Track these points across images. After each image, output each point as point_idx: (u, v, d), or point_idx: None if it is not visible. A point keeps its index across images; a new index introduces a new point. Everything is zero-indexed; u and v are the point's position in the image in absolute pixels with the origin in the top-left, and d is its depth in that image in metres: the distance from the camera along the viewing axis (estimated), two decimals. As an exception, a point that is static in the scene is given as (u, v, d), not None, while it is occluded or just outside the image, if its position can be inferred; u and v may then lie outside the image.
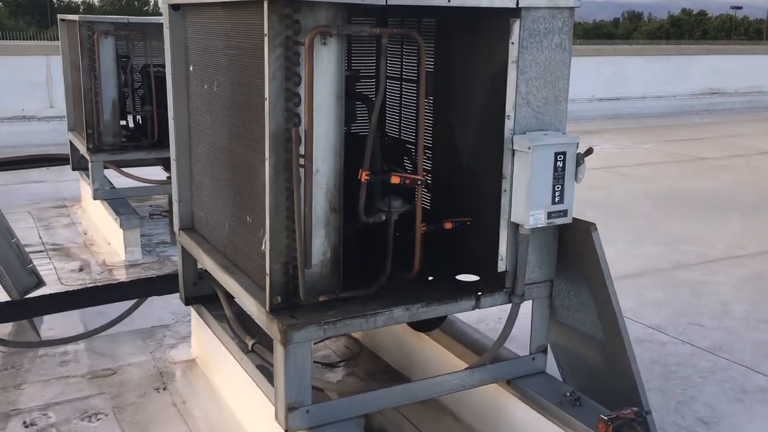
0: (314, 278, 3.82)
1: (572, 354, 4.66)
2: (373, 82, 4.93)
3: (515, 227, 4.08)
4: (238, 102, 4.12)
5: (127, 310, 5.46)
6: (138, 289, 5.20)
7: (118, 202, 8.61)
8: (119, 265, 7.92)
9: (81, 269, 7.84)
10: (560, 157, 3.96)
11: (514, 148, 3.98)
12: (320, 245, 3.79)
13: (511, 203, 4.04)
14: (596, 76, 20.74)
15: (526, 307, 4.31)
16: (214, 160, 4.58)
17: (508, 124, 3.98)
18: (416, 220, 4.00)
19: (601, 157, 12.97)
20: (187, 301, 5.24)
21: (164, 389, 5.28)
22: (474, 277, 4.32)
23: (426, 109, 5.12)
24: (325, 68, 3.58)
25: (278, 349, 3.67)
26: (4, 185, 11.51)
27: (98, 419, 4.91)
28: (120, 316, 5.43)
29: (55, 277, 7.66)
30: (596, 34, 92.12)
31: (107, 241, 8.67)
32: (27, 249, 8.74)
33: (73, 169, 10.22)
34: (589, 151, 4.15)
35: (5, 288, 6.75)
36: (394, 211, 3.96)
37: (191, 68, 4.84)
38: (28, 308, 4.98)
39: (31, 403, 5.08)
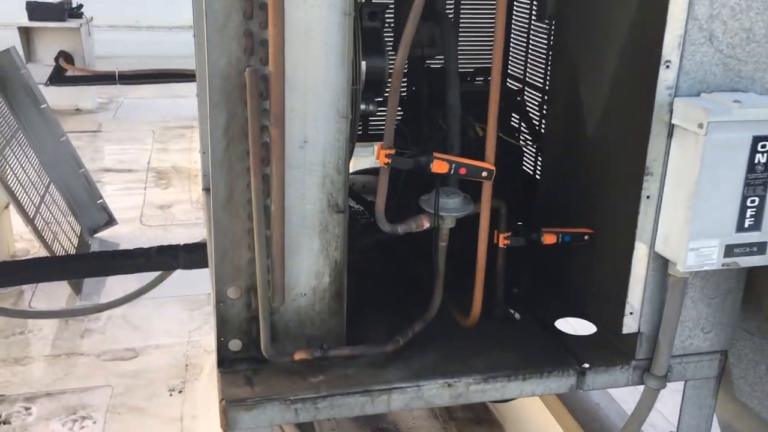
0: (298, 318, 2.33)
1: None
2: None
3: (662, 263, 2.29)
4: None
5: (147, 285, 4.32)
6: (159, 260, 4.00)
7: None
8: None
9: (168, 207, 6.90)
10: (764, 146, 2.09)
11: (673, 121, 2.15)
12: (310, 265, 2.28)
13: (658, 221, 2.24)
14: None
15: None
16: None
17: (666, 77, 2.14)
18: (481, 232, 2.33)
19: None
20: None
21: (179, 392, 4.10)
22: (584, 326, 2.59)
23: (521, 39, 3.34)
24: (314, -41, 1.98)
25: (218, 433, 2.26)
26: (146, 99, 10.97)
27: (82, 428, 3.83)
28: (137, 291, 4.31)
29: (139, 213, 6.75)
30: None
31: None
32: (131, 172, 7.99)
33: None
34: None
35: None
36: (446, 214, 2.32)
37: None
38: (22, 272, 3.98)
39: (22, 388, 4.12)
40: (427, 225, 2.33)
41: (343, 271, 2.31)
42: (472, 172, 2.17)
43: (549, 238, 2.54)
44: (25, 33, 9.92)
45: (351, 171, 4.15)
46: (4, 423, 3.80)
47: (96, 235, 6.13)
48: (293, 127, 2.13)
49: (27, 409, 3.92)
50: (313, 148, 2.17)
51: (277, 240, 2.13)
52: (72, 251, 5.55)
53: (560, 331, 2.58)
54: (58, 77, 9.76)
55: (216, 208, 2.17)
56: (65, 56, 10.10)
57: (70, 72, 9.92)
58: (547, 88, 3.32)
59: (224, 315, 2.29)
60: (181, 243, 3.78)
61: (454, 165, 2.15)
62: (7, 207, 5.45)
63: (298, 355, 2.23)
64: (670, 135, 2.17)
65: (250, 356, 2.31)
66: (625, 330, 2.38)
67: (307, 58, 2.08)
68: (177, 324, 4.85)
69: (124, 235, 6.22)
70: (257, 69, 2.03)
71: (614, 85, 2.41)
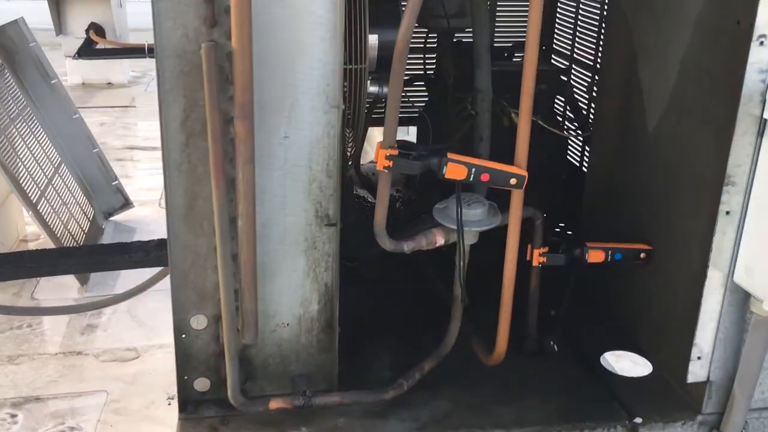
0: (279, 353, 1.89)
1: None
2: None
3: (741, 297, 1.79)
4: None
5: (148, 280, 3.94)
6: (159, 255, 3.62)
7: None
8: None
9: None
10: None
11: (765, 116, 1.63)
12: (294, 289, 1.83)
13: (739, 244, 1.73)
14: None
15: None
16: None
17: (759, 58, 1.62)
18: (508, 251, 1.85)
19: None
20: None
21: (179, 401, 3.70)
22: (636, 365, 2.10)
23: (569, 6, 2.77)
24: None
25: (177, 493, 1.84)
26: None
27: (68, 440, 3.47)
28: (139, 287, 3.93)
29: (158, 194, 6.40)
30: None
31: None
32: (156, 150, 7.64)
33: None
34: None
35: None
36: (466, 229, 1.84)
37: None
38: (4, 267, 3.63)
39: (11, 391, 3.79)
40: (441, 242, 1.86)
41: (334, 298, 1.86)
42: (498, 178, 1.68)
43: (596, 256, 2.05)
44: (55, 4, 9.63)
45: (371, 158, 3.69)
46: (-14, 432, 3.46)
47: (111, 219, 5.79)
48: (269, 118, 1.67)
49: (13, 416, 3.58)
50: (296, 145, 1.71)
51: (246, 260, 1.68)
52: (82, 237, 5.22)
53: (606, 370, 2.09)
54: (87, 50, 9.47)
55: (173, 221, 1.74)
56: (96, 28, 9.79)
57: (100, 45, 9.63)
58: (598, 66, 2.79)
59: (187, 349, 1.86)
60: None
61: (474, 169, 1.66)
62: (16, 188, 5.13)
63: (275, 404, 1.79)
64: (760, 134, 1.65)
65: (220, 398, 1.89)
66: (691, 378, 1.88)
67: (286, 31, 1.62)
68: (185, 321, 4.43)
69: (141, 218, 5.87)
70: (218, 45, 1.57)
71: (687, 66, 1.88)
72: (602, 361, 2.11)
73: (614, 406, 1.93)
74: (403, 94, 2.71)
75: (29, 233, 5.56)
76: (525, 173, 1.69)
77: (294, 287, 1.83)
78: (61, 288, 4.78)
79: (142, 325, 4.41)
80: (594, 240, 2.06)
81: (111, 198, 5.81)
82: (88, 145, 5.73)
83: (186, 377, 1.88)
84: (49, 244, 4.72)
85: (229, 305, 1.69)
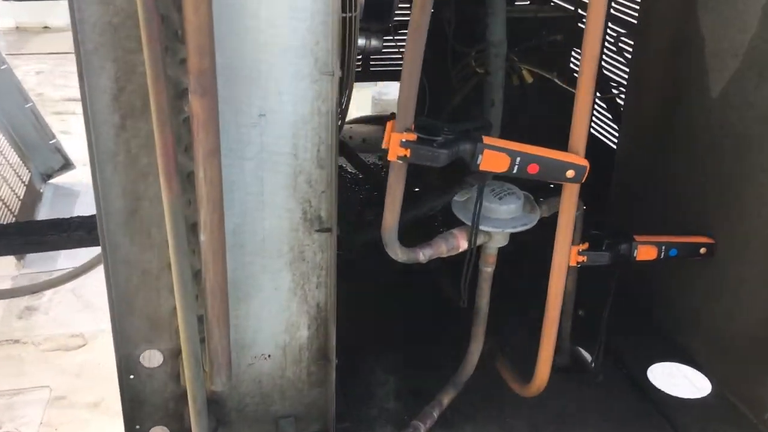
0: (259, 390, 1.46)
1: None
2: None
3: None
4: None
5: (94, 259, 3.45)
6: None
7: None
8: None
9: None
10: None
11: None
12: (275, 312, 1.40)
13: None
14: None
15: None
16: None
17: None
18: (555, 258, 1.43)
19: None
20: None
21: (133, 397, 3.26)
22: (691, 382, 1.73)
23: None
24: None
25: None
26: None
27: (6, 449, 3.03)
28: (83, 267, 3.45)
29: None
30: None
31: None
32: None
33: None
34: None
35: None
36: (494, 231, 1.42)
37: None
38: None
39: (-63, 392, 3.29)
40: (464, 246, 1.43)
41: (329, 321, 1.43)
42: (550, 170, 1.25)
43: (646, 252, 1.65)
44: (-19, -61, 8.74)
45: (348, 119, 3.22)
46: None
47: (50, 182, 5.22)
48: (237, 90, 1.21)
49: (-60, 422, 3.10)
50: (276, 126, 1.25)
51: (213, 285, 1.24)
52: (17, 204, 4.66)
53: (656, 388, 1.72)
54: (20, -10, 8.68)
55: (110, 230, 1.27)
56: (28, -34, 8.96)
57: (34, -16, 8.82)
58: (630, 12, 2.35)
59: (137, 393, 1.42)
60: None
61: (518, 159, 1.23)
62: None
63: (257, 462, 1.38)
64: None
65: (183, 449, 1.46)
66: (774, 410, 1.52)
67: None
68: (138, 300, 3.96)
69: (85, 181, 5.29)
70: (164, -12, 1.09)
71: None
72: (650, 376, 1.74)
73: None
74: (394, 43, 2.24)
75: (-41, 200, 4.96)
76: (586, 163, 1.27)
77: (276, 309, 1.40)
78: (-4, 262, 4.26)
79: (89, 307, 3.92)
80: (625, 224, 1.66)
81: (49, 158, 5.22)
82: (20, 99, 5.09)
83: (138, 427, 1.45)
84: (-22, 215, 4.18)
85: (192, 343, 1.25)
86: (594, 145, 2.40)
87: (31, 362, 3.50)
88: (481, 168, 1.23)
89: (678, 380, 1.72)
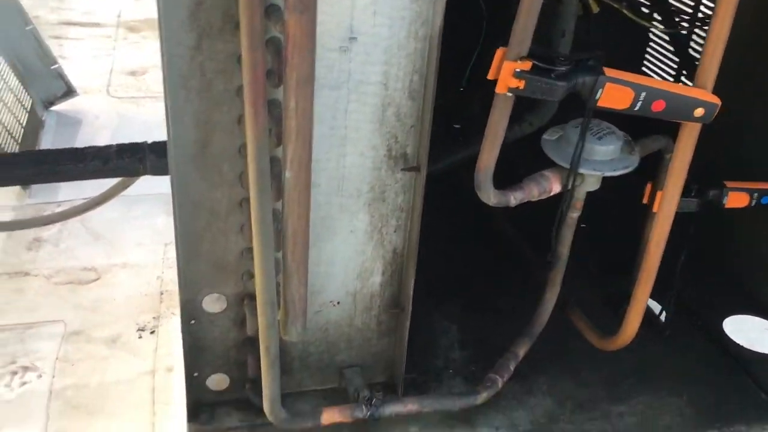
0: (324, 339, 1.36)
1: None
2: None
3: None
4: None
5: (107, 192, 3.31)
6: (119, 165, 2.97)
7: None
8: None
9: (141, 73, 5.74)
10: None
11: None
12: (349, 257, 1.29)
13: None
14: None
15: None
16: None
17: None
18: (662, 206, 1.32)
19: None
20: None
21: (151, 333, 3.20)
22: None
23: None
24: None
25: None
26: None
27: (23, 383, 2.94)
28: (95, 200, 3.30)
29: (106, 80, 5.60)
30: None
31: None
32: (98, 27, 6.75)
33: None
34: None
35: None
36: (590, 173, 1.30)
37: None
38: None
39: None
40: (557, 189, 1.31)
41: (407, 267, 1.32)
42: (677, 107, 1.12)
43: (737, 199, 1.54)
44: None
45: None
46: None
47: (52, 109, 5.02)
48: (327, 7, 1.06)
49: (-47, 355, 3.00)
50: (366, 51, 1.11)
51: (296, 228, 1.11)
52: (20, 131, 4.48)
53: (734, 342, 1.63)
54: None
55: (179, 165, 1.14)
56: None
57: None
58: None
59: (198, 339, 1.32)
60: (153, 130, 2.73)
61: (643, 94, 1.10)
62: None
63: (328, 418, 1.28)
64: None
65: (242, 400, 1.37)
66: None
67: None
68: (150, 234, 3.85)
69: (87, 108, 5.10)
70: None
71: None
72: (726, 329, 1.65)
73: (761, 398, 1.48)
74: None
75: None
76: (718, 101, 1.14)
77: (350, 254, 1.29)
78: (2, 190, 4.10)
79: (100, 239, 3.80)
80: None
81: (51, 84, 5.01)
82: (20, 21, 4.85)
83: (196, 374, 1.35)
84: (-20, 141, 4.01)
85: (268, 291, 1.13)
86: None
87: (42, 296, 3.39)
88: (600, 104, 1.10)
89: (756, 334, 1.64)
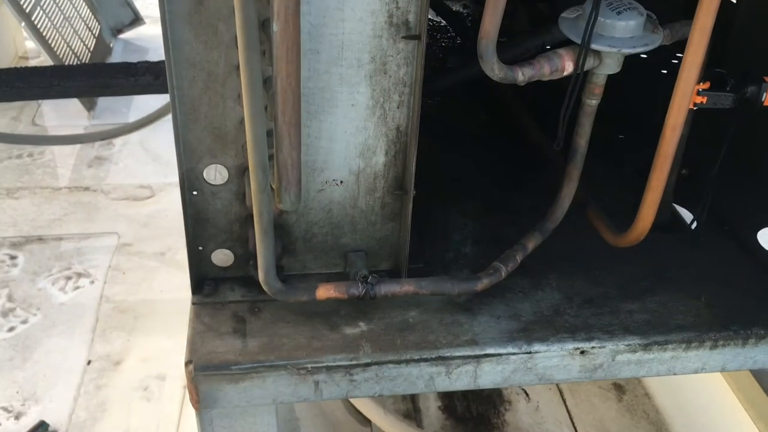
0: (328, 220, 1.35)
1: None
2: None
3: None
4: None
5: (161, 109, 3.37)
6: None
7: None
8: None
9: None
10: None
11: None
12: (351, 133, 1.26)
13: None
14: None
15: None
16: None
17: None
18: (679, 86, 1.24)
19: None
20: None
21: (199, 248, 3.26)
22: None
23: None
24: None
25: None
26: None
27: (76, 287, 3.09)
28: (150, 116, 3.37)
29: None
30: None
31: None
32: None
33: None
34: None
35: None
36: (609, 50, 1.23)
37: None
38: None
39: (11, 229, 3.36)
40: (570, 69, 1.25)
41: (410, 146, 1.29)
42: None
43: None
44: None
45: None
46: (-22, 278, 3.06)
47: (120, 36, 5.15)
48: None
49: (12, 258, 3.18)
50: None
51: (285, 86, 1.09)
52: (87, 56, 4.62)
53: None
54: None
55: (172, 22, 1.14)
56: None
57: None
58: None
59: (201, 211, 1.33)
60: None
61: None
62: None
63: (323, 293, 1.28)
64: None
65: (247, 277, 1.38)
66: None
67: None
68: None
69: (154, 36, 5.21)
70: None
71: None
72: (760, 239, 1.56)
73: None
74: None
75: (29, 50, 4.95)
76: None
77: (352, 129, 1.26)
78: (66, 112, 4.25)
79: (157, 160, 3.92)
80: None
81: (119, 12, 5.14)
82: (91, -55, 4.96)
83: (201, 248, 1.36)
84: (50, 63, 4.14)
85: (259, 153, 1.12)
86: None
87: (100, 209, 3.52)
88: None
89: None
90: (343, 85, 1.22)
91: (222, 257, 1.38)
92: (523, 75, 1.21)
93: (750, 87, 1.42)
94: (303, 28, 1.13)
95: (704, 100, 1.39)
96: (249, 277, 1.37)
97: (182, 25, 1.13)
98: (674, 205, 1.64)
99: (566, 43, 1.26)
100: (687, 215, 1.64)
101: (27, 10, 4.01)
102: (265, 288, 1.25)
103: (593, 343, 1.31)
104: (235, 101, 1.21)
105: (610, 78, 1.30)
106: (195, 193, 1.30)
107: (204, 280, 1.38)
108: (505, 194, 1.67)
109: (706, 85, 1.39)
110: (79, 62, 4.52)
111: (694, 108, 1.41)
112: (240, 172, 1.29)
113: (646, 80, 1.71)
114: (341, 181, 1.32)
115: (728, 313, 1.36)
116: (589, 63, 1.25)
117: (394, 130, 1.28)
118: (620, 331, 1.32)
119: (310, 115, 1.23)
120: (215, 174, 1.29)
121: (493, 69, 1.17)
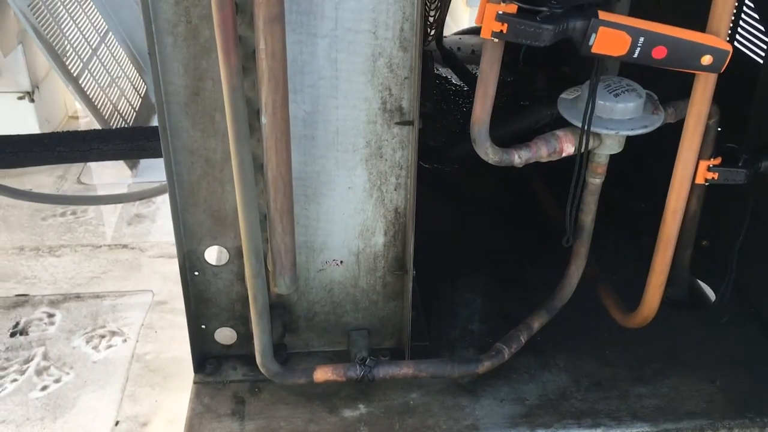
0: (329, 299, 1.35)
1: None
2: None
3: None
4: None
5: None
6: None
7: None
8: None
9: None
10: None
11: None
12: (350, 215, 1.27)
13: None
14: None
15: None
16: None
17: None
18: (677, 169, 1.21)
19: None
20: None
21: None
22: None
23: None
24: None
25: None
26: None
27: (108, 346, 3.12)
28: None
29: None
30: None
31: None
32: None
33: None
34: None
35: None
36: (607, 132, 1.21)
37: None
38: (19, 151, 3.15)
39: (50, 287, 3.44)
40: (570, 151, 1.23)
41: (408, 227, 1.29)
42: (682, 53, 1.03)
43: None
44: None
45: (456, 30, 3.00)
46: (21, 333, 3.13)
47: None
48: (309, -50, 1.05)
49: (50, 316, 3.24)
50: (353, -5, 1.09)
51: (276, 175, 1.11)
52: (132, 115, 4.77)
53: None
54: None
55: (170, 111, 1.17)
56: None
57: None
58: None
59: (202, 291, 1.34)
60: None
61: (642, 39, 1.01)
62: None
63: (321, 376, 1.27)
64: None
65: (250, 355, 1.38)
66: None
67: None
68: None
69: (198, 95, 5.32)
70: None
71: None
72: (783, 318, 1.50)
73: None
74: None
75: (80, 109, 5.13)
76: (729, 47, 1.03)
77: (350, 211, 1.27)
78: (111, 170, 4.37)
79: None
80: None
81: None
82: (137, 9, 5.14)
83: (203, 326, 1.37)
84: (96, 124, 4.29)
85: (252, 239, 1.13)
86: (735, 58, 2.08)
87: (137, 267, 3.59)
88: (594, 50, 1.03)
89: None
90: (340, 169, 1.23)
91: (226, 335, 1.39)
92: (519, 158, 1.20)
93: (765, 162, 1.39)
94: (297, 116, 1.15)
95: (715, 176, 1.36)
96: (252, 355, 1.37)
97: (179, 113, 1.17)
98: (695, 279, 1.59)
99: (564, 122, 1.25)
100: (709, 289, 1.59)
101: (75, 74, 4.18)
102: (262, 370, 1.26)
103: (599, 431, 1.26)
104: (233, 186, 1.23)
105: (630, 143, 1.27)
106: (196, 273, 1.31)
107: (207, 359, 1.39)
108: (513, 269, 1.64)
109: (717, 161, 1.36)
110: (124, 122, 4.67)
111: (707, 183, 1.38)
112: (240, 253, 1.30)
113: (667, 144, 1.68)
114: (341, 261, 1.32)
115: (744, 398, 1.30)
116: (590, 144, 1.23)
117: (393, 212, 1.28)
118: (628, 417, 1.28)
119: (307, 198, 1.24)
120: (216, 256, 1.30)
121: (488, 153, 1.17)
